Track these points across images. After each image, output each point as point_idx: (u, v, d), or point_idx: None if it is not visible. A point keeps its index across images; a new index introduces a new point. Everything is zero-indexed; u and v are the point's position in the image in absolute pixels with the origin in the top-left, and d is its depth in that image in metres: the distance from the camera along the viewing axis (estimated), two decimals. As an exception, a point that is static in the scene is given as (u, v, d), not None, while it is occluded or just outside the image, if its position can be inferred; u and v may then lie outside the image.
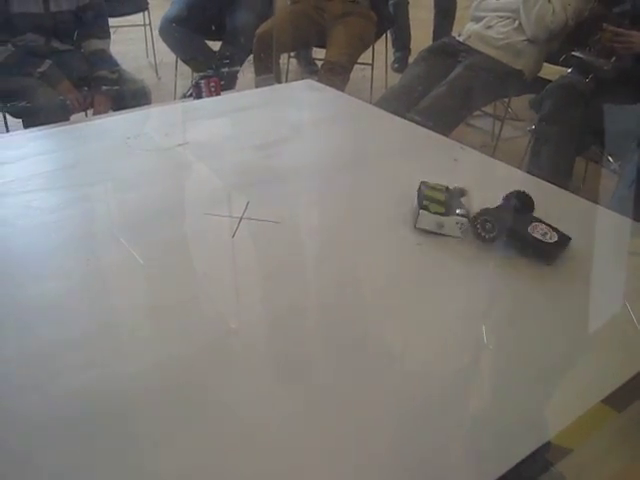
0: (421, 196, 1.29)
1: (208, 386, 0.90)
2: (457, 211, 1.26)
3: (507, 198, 1.32)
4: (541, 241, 1.20)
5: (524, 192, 1.31)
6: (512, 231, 1.22)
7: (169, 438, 0.82)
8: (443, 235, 1.25)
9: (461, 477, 0.79)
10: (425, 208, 1.26)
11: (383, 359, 0.97)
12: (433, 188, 1.32)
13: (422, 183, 1.34)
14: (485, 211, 1.25)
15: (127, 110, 2.00)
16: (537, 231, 1.21)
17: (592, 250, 1.24)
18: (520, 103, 3.48)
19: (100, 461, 0.79)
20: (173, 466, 0.78)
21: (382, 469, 0.80)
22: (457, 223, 1.25)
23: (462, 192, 1.33)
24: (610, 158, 2.75)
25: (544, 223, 1.24)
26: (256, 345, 1.00)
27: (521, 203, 1.31)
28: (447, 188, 1.33)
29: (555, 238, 1.21)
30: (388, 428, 0.85)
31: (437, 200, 1.28)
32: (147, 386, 0.90)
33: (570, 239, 1.22)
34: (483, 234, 1.24)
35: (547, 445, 0.82)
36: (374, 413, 0.87)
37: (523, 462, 0.80)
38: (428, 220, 1.26)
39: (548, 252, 1.20)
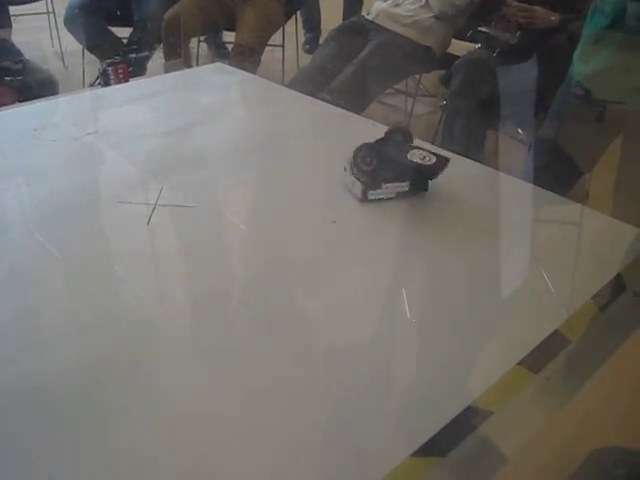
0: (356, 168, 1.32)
1: (133, 376, 0.89)
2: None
3: (387, 133, 1.40)
4: (420, 164, 1.29)
5: (404, 127, 1.43)
6: (391, 159, 1.30)
7: (93, 436, 0.81)
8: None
9: (385, 446, 0.80)
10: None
11: (304, 335, 0.98)
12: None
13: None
14: (364, 145, 1.31)
15: (34, 101, 1.94)
16: (416, 156, 1.31)
17: (501, 216, 1.27)
18: (431, 79, 3.53)
19: (20, 462, 0.77)
20: (92, 465, 0.77)
21: (308, 442, 0.80)
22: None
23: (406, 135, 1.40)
24: (520, 130, 2.81)
25: (422, 149, 1.33)
26: (179, 331, 0.99)
27: (401, 136, 1.40)
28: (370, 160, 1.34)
29: (434, 160, 1.30)
30: (314, 402, 0.86)
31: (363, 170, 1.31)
32: (68, 382, 0.88)
33: (449, 160, 1.31)
34: (364, 167, 1.29)
35: (468, 409, 0.84)
36: (300, 387, 0.88)
37: (446, 428, 0.81)
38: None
39: (428, 172, 1.29)
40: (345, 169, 1.33)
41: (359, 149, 1.30)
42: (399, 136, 1.39)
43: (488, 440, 0.85)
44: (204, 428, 0.82)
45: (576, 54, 2.15)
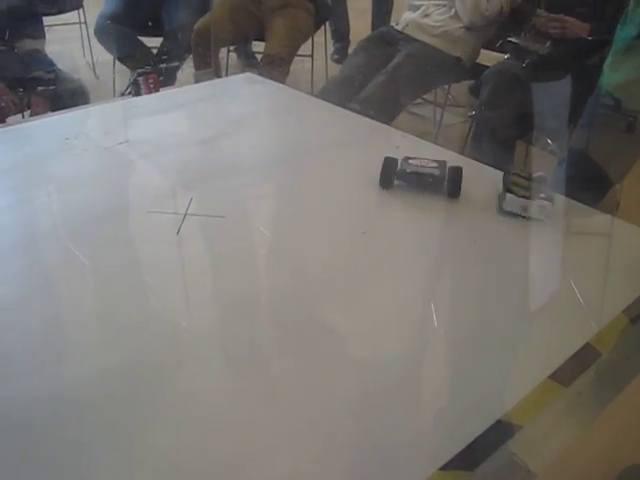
0: (507, 181, 1.35)
1: (162, 384, 0.90)
2: (541, 195, 1.31)
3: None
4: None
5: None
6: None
7: (124, 441, 0.81)
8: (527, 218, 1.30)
9: (414, 460, 0.80)
10: (511, 191, 1.31)
11: (335, 344, 0.98)
12: (518, 175, 1.37)
13: (507, 171, 1.40)
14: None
15: (65, 110, 1.96)
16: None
17: (531, 228, 1.26)
18: (460, 90, 3.51)
19: (47, 467, 0.78)
20: (130, 472, 0.78)
21: (336, 454, 0.80)
22: (540, 206, 1.29)
23: (543, 179, 1.37)
24: (549, 141, 2.79)
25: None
26: (207, 339, 1.00)
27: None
28: (530, 175, 1.37)
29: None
30: (342, 414, 0.86)
31: (521, 185, 1.33)
32: (99, 389, 0.89)
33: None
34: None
35: (497, 424, 0.84)
36: (327, 398, 0.88)
37: (475, 442, 0.81)
38: (514, 203, 1.30)
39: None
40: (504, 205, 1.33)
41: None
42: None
43: (517, 455, 0.85)
44: (232, 433, 0.82)
45: (606, 64, 2.13)
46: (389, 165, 1.40)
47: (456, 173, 1.38)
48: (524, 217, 1.29)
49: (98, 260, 1.16)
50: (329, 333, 1.01)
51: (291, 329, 1.01)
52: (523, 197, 1.30)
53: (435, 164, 1.41)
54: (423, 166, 1.40)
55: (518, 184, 1.33)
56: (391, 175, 1.39)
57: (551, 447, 0.84)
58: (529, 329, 1.03)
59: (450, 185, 1.37)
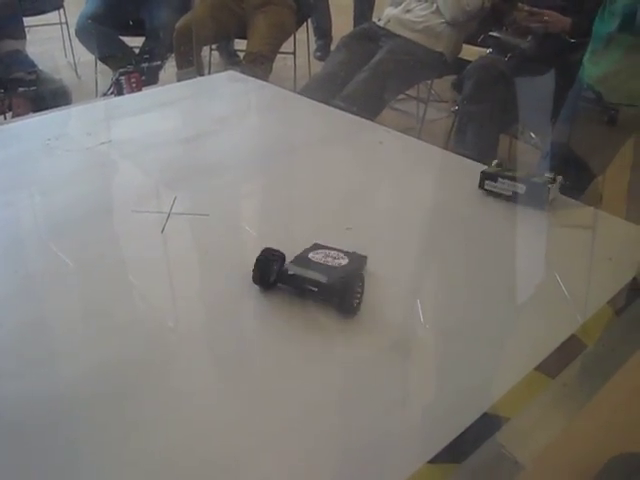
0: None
1: (149, 384, 0.90)
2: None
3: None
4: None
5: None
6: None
7: (111, 442, 0.81)
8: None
9: (402, 454, 0.80)
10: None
11: (321, 340, 0.98)
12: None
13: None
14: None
15: (47, 111, 1.95)
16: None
17: (515, 221, 1.27)
18: (442, 85, 3.52)
19: (36, 468, 0.77)
20: (118, 472, 0.78)
21: (325, 448, 0.80)
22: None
23: None
24: (532, 134, 2.80)
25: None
26: (194, 339, 0.99)
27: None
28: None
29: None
30: (329, 409, 0.86)
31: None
32: (85, 390, 0.89)
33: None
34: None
35: (484, 416, 0.84)
36: (316, 393, 0.88)
37: (462, 435, 0.81)
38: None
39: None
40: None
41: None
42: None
43: (505, 447, 0.85)
44: (219, 432, 0.82)
45: (586, 57, 2.14)
46: (267, 262, 1.07)
47: (349, 283, 1.03)
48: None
49: (82, 261, 1.15)
50: (315, 329, 1.01)
51: (277, 326, 1.01)
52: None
53: (340, 261, 1.09)
54: (319, 263, 1.08)
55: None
56: (268, 274, 1.07)
57: (538, 438, 0.85)
58: (515, 322, 1.03)
59: (339, 299, 1.02)
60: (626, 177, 2.01)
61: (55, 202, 1.35)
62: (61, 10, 4.26)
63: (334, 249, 1.11)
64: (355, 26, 4.28)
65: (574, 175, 2.00)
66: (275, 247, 1.09)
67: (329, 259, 1.08)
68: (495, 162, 1.36)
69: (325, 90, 2.90)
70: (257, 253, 1.07)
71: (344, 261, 1.08)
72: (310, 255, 1.10)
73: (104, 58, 3.72)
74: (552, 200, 1.29)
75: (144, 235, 1.24)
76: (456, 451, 0.79)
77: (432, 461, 0.78)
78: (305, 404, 0.86)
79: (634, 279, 1.11)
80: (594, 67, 2.10)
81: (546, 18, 2.62)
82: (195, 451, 0.79)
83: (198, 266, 1.17)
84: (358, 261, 1.10)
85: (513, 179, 1.29)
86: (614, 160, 2.13)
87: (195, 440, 0.81)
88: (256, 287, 1.08)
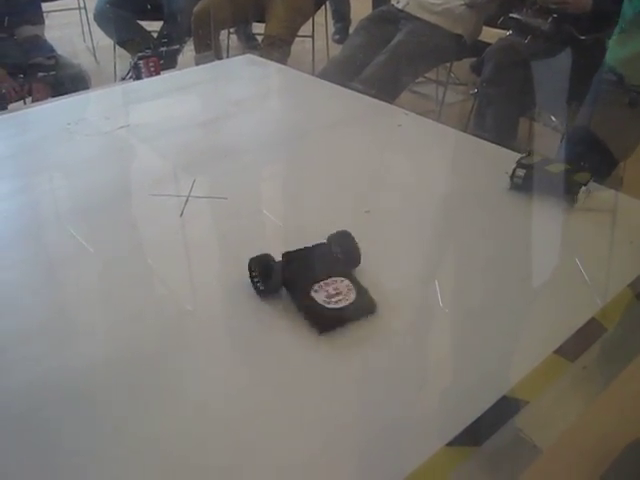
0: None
1: (167, 368, 0.90)
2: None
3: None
4: (317, 306, 0.96)
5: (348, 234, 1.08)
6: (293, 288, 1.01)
7: (130, 423, 0.82)
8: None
9: (420, 437, 0.80)
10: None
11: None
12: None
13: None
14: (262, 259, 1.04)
15: (66, 96, 1.96)
16: (324, 291, 0.98)
17: (536, 204, 1.25)
18: (462, 67, 3.49)
19: (52, 455, 0.78)
20: (135, 450, 0.78)
21: (344, 432, 0.80)
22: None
23: None
24: (552, 117, 2.78)
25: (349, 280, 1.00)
26: (212, 323, 1.00)
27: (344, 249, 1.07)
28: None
29: (344, 303, 0.96)
30: (348, 392, 0.86)
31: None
32: (104, 374, 0.89)
33: (374, 307, 0.98)
34: (259, 285, 1.03)
35: (503, 399, 0.84)
36: (332, 376, 0.88)
37: (481, 417, 0.81)
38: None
39: (322, 320, 0.95)
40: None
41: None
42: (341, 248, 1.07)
43: (523, 431, 0.85)
44: (238, 417, 0.83)
45: (613, 39, 2.12)
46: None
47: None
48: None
49: (102, 245, 1.16)
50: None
51: (294, 310, 1.01)
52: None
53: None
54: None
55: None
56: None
57: (557, 422, 0.84)
58: (534, 305, 1.03)
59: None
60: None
61: (74, 186, 1.36)
62: (79, -5, 4.27)
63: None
64: (374, 9, 4.26)
65: (595, 159, 1.99)
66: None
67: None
68: (528, 151, 1.33)
69: (343, 73, 2.89)
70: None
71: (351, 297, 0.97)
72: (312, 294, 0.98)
73: (122, 42, 3.73)
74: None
75: (163, 218, 1.24)
76: (474, 434, 0.79)
77: (450, 444, 0.78)
78: (322, 389, 0.87)
79: (655, 262, 1.10)
80: (620, 49, 2.07)
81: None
82: (211, 439, 0.80)
83: (217, 249, 1.17)
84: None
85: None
86: (636, 143, 2.11)
87: (212, 427, 0.82)
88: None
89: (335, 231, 1.07)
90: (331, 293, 0.97)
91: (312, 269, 1.02)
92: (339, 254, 1.04)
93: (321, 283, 0.99)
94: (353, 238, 1.05)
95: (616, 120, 2.10)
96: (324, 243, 1.06)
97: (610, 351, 0.97)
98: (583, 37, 2.48)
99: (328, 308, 0.95)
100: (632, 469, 0.71)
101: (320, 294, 0.97)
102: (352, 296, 0.97)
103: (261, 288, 1.01)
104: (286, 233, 1.20)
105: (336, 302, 0.96)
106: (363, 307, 0.97)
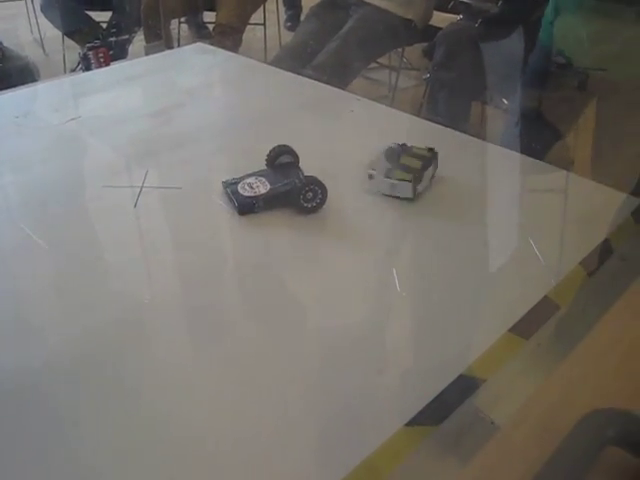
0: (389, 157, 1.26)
1: (125, 360, 0.89)
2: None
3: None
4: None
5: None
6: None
7: (90, 416, 0.81)
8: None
9: (379, 418, 0.81)
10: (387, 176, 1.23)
11: (296, 308, 0.98)
12: (413, 155, 1.27)
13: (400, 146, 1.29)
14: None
15: (14, 88, 1.92)
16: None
17: (487, 185, 1.27)
18: (414, 52, 3.51)
19: (15, 444, 0.77)
20: (98, 444, 0.78)
21: (303, 414, 0.81)
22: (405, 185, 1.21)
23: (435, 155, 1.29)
24: (504, 100, 2.81)
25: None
26: (170, 313, 0.99)
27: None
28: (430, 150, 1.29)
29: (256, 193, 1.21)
30: (307, 376, 0.87)
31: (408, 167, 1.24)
32: (60, 369, 0.88)
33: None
34: (306, 204, 1.20)
35: (461, 377, 0.85)
36: (292, 362, 0.89)
37: (439, 397, 0.82)
38: (379, 183, 1.23)
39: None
40: (371, 176, 1.25)
41: (388, 150, 1.25)
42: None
43: (480, 409, 0.86)
44: (198, 404, 0.83)
45: (556, 22, 2.14)
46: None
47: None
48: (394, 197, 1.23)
49: (54, 239, 1.14)
50: (292, 299, 1.02)
51: (253, 297, 1.01)
52: (386, 177, 1.23)
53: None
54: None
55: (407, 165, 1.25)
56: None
57: (514, 398, 0.86)
58: (488, 284, 1.04)
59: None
60: (595, 141, 2.02)
61: (25, 180, 1.33)
62: (25, -15, 4.19)
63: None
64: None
65: (544, 139, 2.02)
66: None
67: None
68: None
69: (296, 60, 2.88)
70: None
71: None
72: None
73: (71, 33, 3.67)
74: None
75: (117, 210, 1.23)
76: (433, 414, 0.80)
77: (409, 424, 0.78)
78: (282, 369, 0.87)
79: (606, 240, 1.12)
80: (564, 31, 2.10)
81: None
82: (175, 419, 0.80)
83: (171, 240, 1.17)
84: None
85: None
86: (585, 125, 2.14)
87: (173, 408, 0.81)
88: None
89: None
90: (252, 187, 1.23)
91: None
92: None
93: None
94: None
95: (563, 101, 2.14)
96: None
97: (563, 328, 0.98)
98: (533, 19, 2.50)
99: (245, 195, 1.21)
100: (588, 438, 0.73)
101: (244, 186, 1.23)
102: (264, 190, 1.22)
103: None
104: (239, 223, 1.19)
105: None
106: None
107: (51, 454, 0.76)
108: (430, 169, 1.26)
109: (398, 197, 1.22)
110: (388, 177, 1.22)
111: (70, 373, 0.87)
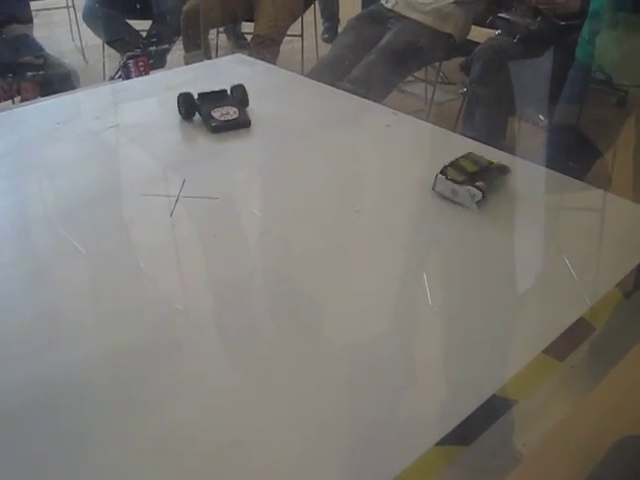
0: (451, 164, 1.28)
1: (158, 368, 0.90)
2: (477, 183, 1.23)
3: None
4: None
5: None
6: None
7: (121, 425, 0.82)
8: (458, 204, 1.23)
9: (409, 438, 0.80)
10: (443, 173, 1.25)
11: (329, 324, 0.98)
12: (470, 160, 1.29)
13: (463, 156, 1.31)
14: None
15: (55, 95, 1.95)
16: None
17: (523, 204, 1.26)
18: (451, 67, 3.51)
19: (49, 451, 0.78)
20: (129, 455, 0.78)
21: (333, 431, 0.81)
22: (470, 194, 1.22)
23: (504, 169, 1.30)
24: (541, 116, 2.79)
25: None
26: (202, 322, 1.00)
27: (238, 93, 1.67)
28: (490, 163, 1.30)
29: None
30: (337, 391, 0.87)
31: (463, 169, 1.26)
32: (94, 374, 0.89)
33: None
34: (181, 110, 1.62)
35: (492, 398, 0.84)
36: (323, 375, 0.89)
37: (470, 417, 0.81)
38: (444, 185, 1.25)
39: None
40: (435, 186, 1.26)
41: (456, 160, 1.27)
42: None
43: (512, 429, 0.85)
44: (227, 415, 0.83)
45: (582, 36, 2.13)
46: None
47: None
48: (454, 202, 1.24)
49: (91, 245, 1.16)
50: (322, 314, 1.02)
51: (285, 310, 1.01)
52: (453, 181, 1.24)
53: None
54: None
55: (460, 167, 1.27)
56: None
57: (546, 421, 0.85)
58: (523, 305, 1.03)
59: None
60: (635, 160, 2.00)
61: (64, 186, 1.35)
62: (68, -7, 4.26)
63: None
64: (363, 8, 4.26)
65: (582, 157, 2.00)
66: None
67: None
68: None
69: (333, 73, 2.89)
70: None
71: None
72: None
73: (111, 42, 3.72)
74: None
75: (153, 219, 1.24)
76: (464, 433, 0.80)
77: (440, 443, 0.78)
78: (312, 383, 0.87)
79: (643, 262, 1.10)
80: (607, 48, 2.08)
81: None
82: (204, 434, 0.80)
83: (207, 250, 1.17)
84: None
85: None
86: (624, 143, 2.12)
87: (205, 423, 0.82)
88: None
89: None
90: (223, 113, 1.59)
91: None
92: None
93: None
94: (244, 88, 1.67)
95: (602, 118, 2.12)
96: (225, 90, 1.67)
97: (598, 351, 0.97)
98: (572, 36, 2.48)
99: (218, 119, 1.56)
100: (621, 465, 0.72)
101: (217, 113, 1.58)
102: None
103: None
104: (276, 233, 1.20)
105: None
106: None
107: (87, 454, 0.77)
108: (494, 182, 1.26)
109: (460, 204, 1.23)
110: (453, 182, 1.23)
111: (103, 380, 0.88)
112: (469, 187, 1.22)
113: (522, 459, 0.81)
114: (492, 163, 1.29)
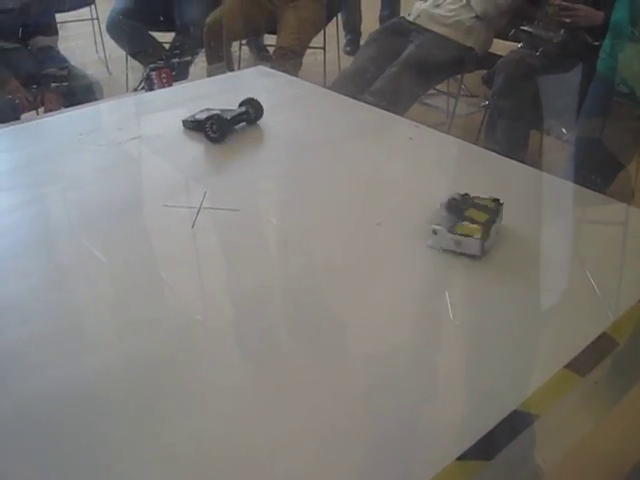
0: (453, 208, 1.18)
1: (178, 378, 0.90)
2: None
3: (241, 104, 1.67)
4: None
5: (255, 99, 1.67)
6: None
7: (139, 435, 0.82)
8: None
9: (429, 452, 0.80)
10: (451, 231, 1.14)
11: (348, 335, 0.98)
12: (477, 207, 1.19)
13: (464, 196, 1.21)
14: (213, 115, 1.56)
15: (79, 106, 1.97)
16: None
17: (545, 218, 1.25)
18: (473, 80, 3.49)
19: (69, 462, 0.78)
20: (146, 465, 0.78)
21: (352, 443, 0.81)
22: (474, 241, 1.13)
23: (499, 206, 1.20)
24: (564, 130, 2.78)
25: None
26: (222, 332, 1.00)
27: (253, 108, 1.66)
28: (496, 201, 1.20)
29: None
30: (358, 405, 0.86)
31: (473, 220, 1.16)
32: (114, 383, 0.90)
33: None
34: (211, 134, 1.56)
35: (514, 413, 0.84)
36: (344, 388, 0.88)
37: (492, 431, 0.81)
38: (443, 238, 1.15)
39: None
40: (435, 232, 1.16)
41: (451, 202, 1.17)
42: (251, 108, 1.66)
43: (533, 445, 0.85)
44: (246, 426, 0.83)
45: (604, 49, 2.12)
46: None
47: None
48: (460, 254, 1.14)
49: (113, 255, 1.17)
50: (342, 325, 1.01)
51: (304, 321, 1.01)
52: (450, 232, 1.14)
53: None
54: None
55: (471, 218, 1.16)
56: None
57: (567, 437, 0.84)
58: (546, 319, 1.02)
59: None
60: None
61: (87, 196, 1.36)
62: (92, 6, 4.30)
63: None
64: (381, 22, 4.27)
65: (605, 170, 1.99)
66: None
67: None
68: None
69: (355, 85, 2.90)
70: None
71: None
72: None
73: (135, 53, 3.75)
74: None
75: (175, 230, 1.25)
76: (485, 448, 0.79)
77: (461, 458, 0.77)
78: (331, 396, 0.87)
79: (667, 277, 1.09)
80: (630, 62, 2.07)
81: (578, 12, 2.59)
82: (221, 445, 0.80)
83: (228, 261, 1.18)
84: None
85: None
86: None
87: (222, 435, 0.82)
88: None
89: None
90: None
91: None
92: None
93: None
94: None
95: (625, 132, 2.11)
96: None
97: (622, 366, 0.96)
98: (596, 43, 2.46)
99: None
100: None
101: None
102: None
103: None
104: (296, 245, 1.20)
105: None
106: None
107: (107, 462, 0.77)
108: (496, 223, 1.17)
109: (464, 254, 1.14)
110: (452, 232, 1.14)
111: (123, 389, 0.89)
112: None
113: (543, 475, 0.80)
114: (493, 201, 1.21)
